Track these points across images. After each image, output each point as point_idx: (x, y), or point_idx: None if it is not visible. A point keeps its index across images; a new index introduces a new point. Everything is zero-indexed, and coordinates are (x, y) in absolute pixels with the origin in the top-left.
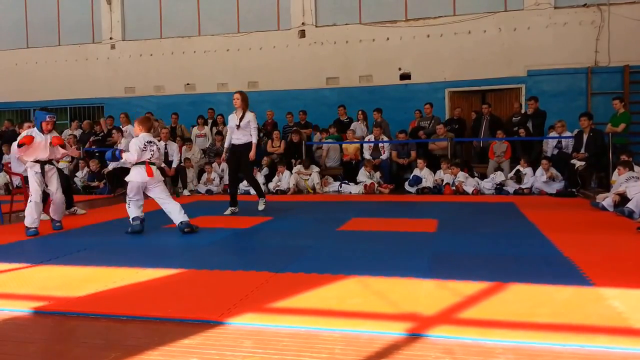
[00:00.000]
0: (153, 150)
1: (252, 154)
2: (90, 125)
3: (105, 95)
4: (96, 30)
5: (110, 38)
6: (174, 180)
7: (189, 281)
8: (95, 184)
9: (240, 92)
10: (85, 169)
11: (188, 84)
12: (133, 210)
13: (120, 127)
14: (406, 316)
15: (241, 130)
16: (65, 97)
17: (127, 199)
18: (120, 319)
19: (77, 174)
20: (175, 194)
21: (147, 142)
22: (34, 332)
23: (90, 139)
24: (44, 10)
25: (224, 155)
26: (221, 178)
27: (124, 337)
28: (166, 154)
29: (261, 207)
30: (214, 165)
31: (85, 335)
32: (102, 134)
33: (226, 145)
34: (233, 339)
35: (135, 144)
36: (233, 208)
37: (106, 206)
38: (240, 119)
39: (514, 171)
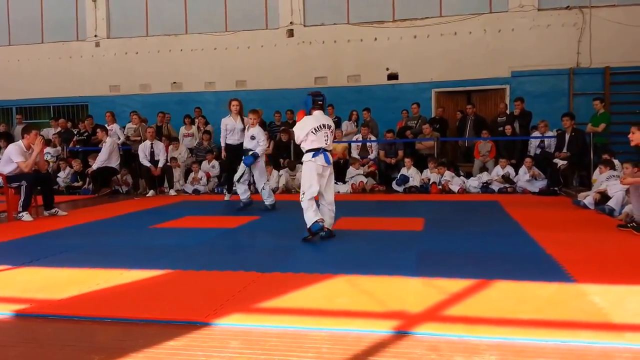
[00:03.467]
0: None
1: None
2: (66, 123)
3: (89, 94)
4: (80, 28)
5: (95, 35)
6: (160, 179)
7: (175, 282)
8: (78, 184)
9: (238, 100)
10: (68, 169)
11: (175, 82)
12: None
13: (106, 125)
14: (393, 314)
15: (240, 132)
16: (48, 95)
17: None
18: (104, 322)
19: (59, 174)
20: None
21: None
22: (15, 335)
23: (74, 138)
24: (27, 7)
25: (223, 153)
26: (208, 178)
27: (108, 340)
28: (152, 154)
29: (227, 197)
30: (202, 164)
31: (68, 338)
32: (87, 133)
33: (224, 145)
34: (220, 339)
35: None
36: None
37: (89, 207)
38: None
39: (503, 172)
